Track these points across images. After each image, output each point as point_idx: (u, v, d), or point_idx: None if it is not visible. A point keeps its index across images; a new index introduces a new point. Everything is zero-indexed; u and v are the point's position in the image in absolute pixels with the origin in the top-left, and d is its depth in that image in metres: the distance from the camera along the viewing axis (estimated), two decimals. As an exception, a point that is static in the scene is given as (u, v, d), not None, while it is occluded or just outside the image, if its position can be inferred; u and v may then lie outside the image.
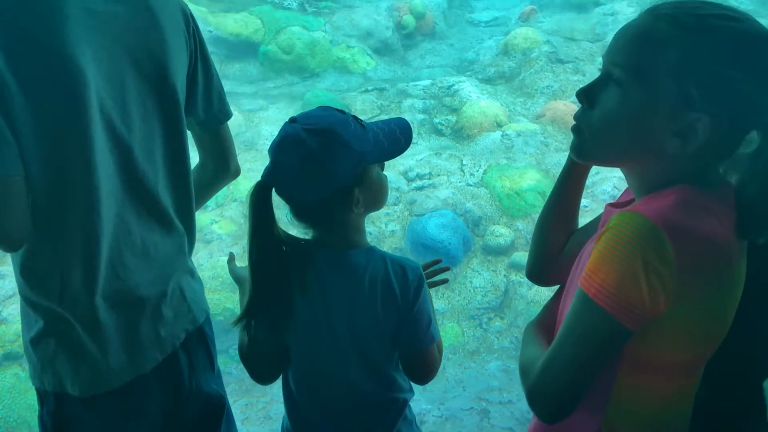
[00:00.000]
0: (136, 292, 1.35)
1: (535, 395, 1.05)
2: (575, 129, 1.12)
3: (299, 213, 1.39)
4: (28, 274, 1.28)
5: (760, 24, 1.02)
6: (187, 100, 1.47)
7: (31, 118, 1.17)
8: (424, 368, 1.42)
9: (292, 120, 1.34)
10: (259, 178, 1.35)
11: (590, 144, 1.10)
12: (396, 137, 1.41)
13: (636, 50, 1.03)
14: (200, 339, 1.53)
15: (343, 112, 1.37)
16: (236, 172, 1.67)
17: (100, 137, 1.25)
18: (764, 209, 1.01)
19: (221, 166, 1.62)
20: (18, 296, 1.36)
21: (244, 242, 5.02)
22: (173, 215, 1.43)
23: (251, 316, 1.38)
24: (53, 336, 1.31)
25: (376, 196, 1.41)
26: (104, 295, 1.31)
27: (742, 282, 1.07)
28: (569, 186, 1.33)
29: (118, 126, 1.28)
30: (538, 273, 1.38)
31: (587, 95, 1.09)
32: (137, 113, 1.32)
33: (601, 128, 1.07)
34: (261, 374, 1.46)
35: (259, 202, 1.32)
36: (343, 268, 1.36)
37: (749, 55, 0.99)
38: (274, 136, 1.35)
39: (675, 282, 0.96)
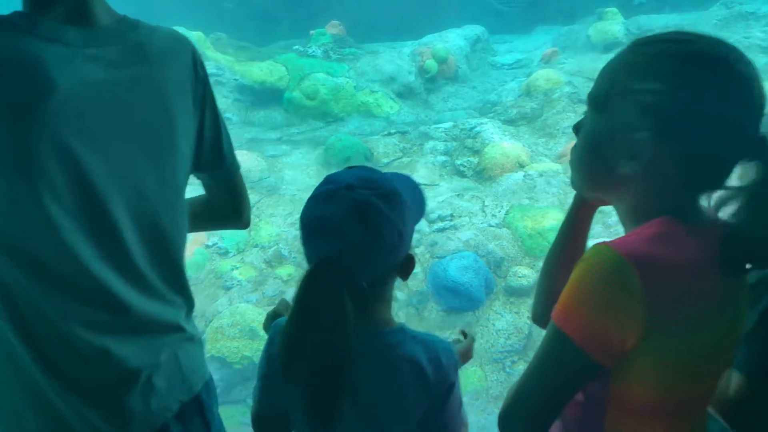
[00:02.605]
0: (125, 365, 1.26)
1: (504, 419, 1.07)
2: (569, 162, 1.19)
3: (357, 290, 1.18)
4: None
5: (717, 46, 1.01)
6: (197, 156, 1.40)
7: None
8: None
9: (349, 186, 1.17)
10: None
11: (572, 174, 1.17)
12: (418, 198, 1.29)
13: (598, 81, 1.09)
14: (196, 408, 1.42)
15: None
16: (246, 224, 1.58)
17: (85, 215, 1.19)
18: (746, 243, 1.00)
19: (233, 218, 1.56)
20: None
21: (264, 288, 5.07)
22: (164, 288, 1.35)
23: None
24: (26, 402, 1.21)
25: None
26: (91, 366, 1.23)
27: (735, 318, 1.05)
28: (575, 227, 1.32)
29: (108, 202, 1.21)
30: (542, 317, 1.34)
31: (575, 130, 1.16)
32: (130, 189, 1.24)
33: (574, 158, 1.15)
34: None
35: (332, 289, 1.12)
36: (378, 351, 1.23)
37: (686, 72, 1.00)
38: (307, 188, 1.25)
39: (644, 315, 0.96)
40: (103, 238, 1.21)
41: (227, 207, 1.54)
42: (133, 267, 1.27)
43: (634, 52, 1.06)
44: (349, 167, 1.27)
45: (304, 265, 1.27)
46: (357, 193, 1.16)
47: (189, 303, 1.43)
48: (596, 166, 1.10)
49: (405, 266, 1.23)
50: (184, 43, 1.36)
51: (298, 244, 1.27)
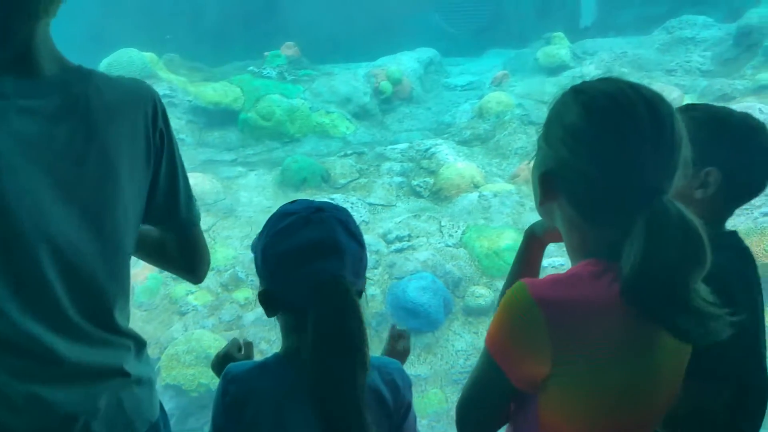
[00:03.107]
0: (59, 411, 1.22)
1: (458, 421, 1.22)
2: None
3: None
4: None
5: (613, 98, 1.07)
6: (148, 207, 1.37)
7: None
8: None
9: (319, 209, 1.23)
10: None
11: None
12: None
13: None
14: None
15: None
16: (200, 280, 1.55)
17: (10, 269, 1.17)
18: (637, 279, 1.02)
19: (185, 272, 1.51)
20: None
21: (221, 313, 4.98)
22: (103, 335, 1.31)
23: None
24: None
25: None
26: (22, 414, 1.20)
27: (649, 359, 1.08)
28: (526, 262, 1.42)
29: (37, 257, 1.18)
30: None
31: None
32: (63, 243, 1.21)
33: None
34: None
35: (351, 304, 1.14)
36: None
37: (575, 123, 1.09)
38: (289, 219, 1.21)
39: (550, 350, 1.05)
40: (30, 291, 1.19)
41: (180, 261, 1.49)
42: (64, 319, 1.24)
43: (559, 99, 1.15)
44: (291, 201, 1.30)
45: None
46: (334, 213, 1.22)
47: (137, 344, 1.39)
48: (535, 194, 1.21)
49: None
50: (142, 94, 1.32)
51: (255, 267, 1.27)
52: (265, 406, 1.20)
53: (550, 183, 1.12)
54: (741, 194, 1.50)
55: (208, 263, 1.53)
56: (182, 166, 1.41)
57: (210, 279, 5.09)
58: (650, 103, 1.06)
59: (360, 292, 1.22)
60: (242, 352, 1.48)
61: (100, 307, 1.29)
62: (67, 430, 1.24)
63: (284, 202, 1.32)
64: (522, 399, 1.15)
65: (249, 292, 4.94)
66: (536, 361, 1.07)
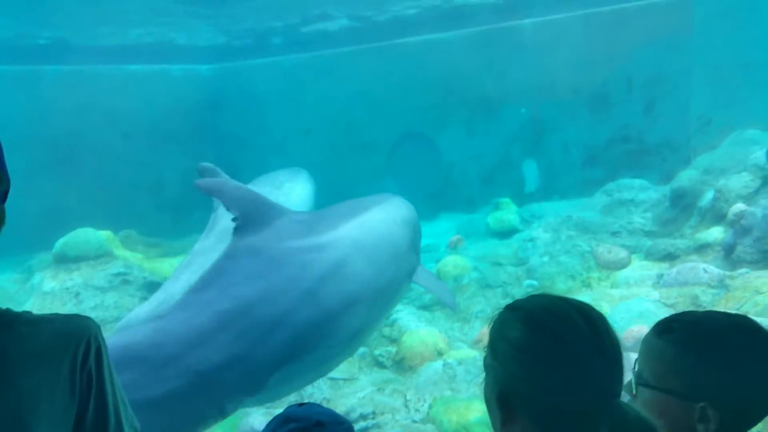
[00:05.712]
0: None
1: None
2: None
3: None
4: None
5: (543, 312, 1.14)
6: None
7: None
8: None
9: (320, 424, 1.28)
10: None
11: None
12: None
13: None
14: None
15: None
16: None
17: None
18: None
19: None
20: None
21: None
22: None
23: None
24: None
25: None
26: None
27: None
28: None
29: None
30: None
31: None
32: None
33: None
34: None
35: None
36: None
37: (511, 341, 1.14)
38: None
39: None
40: None
41: None
42: None
43: (498, 317, 1.22)
44: (299, 404, 1.35)
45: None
46: (334, 428, 1.27)
47: None
48: (493, 421, 1.20)
49: None
50: (74, 334, 1.31)
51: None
52: None
53: (507, 402, 1.12)
54: (746, 423, 1.28)
55: None
56: (116, 401, 1.36)
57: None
58: (582, 310, 1.12)
59: None
60: None
61: None
62: None
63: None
64: None
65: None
66: None
